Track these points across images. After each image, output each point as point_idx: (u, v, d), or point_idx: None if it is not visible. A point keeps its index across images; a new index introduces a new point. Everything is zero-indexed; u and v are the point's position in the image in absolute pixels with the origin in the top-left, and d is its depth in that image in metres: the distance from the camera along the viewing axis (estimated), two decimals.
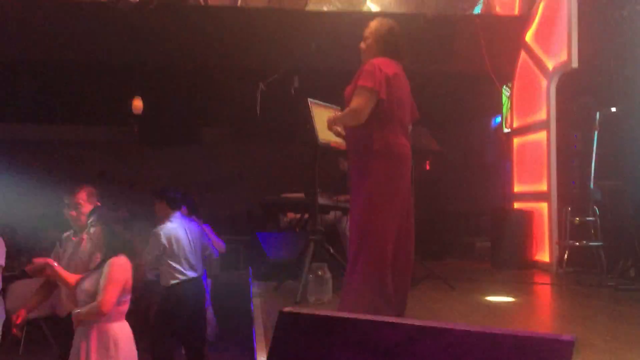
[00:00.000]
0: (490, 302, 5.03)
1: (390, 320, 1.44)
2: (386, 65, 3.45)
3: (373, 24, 3.67)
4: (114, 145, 12.83)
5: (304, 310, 1.62)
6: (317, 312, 1.59)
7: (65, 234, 3.97)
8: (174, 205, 5.08)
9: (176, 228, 4.94)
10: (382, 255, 3.36)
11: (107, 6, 7.08)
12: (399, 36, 3.63)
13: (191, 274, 4.96)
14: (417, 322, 1.42)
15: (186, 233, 5.01)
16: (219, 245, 5.53)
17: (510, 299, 5.08)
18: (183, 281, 4.79)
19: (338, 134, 3.85)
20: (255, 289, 5.47)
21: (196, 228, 5.21)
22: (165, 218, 5.08)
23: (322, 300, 4.61)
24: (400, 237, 3.44)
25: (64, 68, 8.14)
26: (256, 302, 4.86)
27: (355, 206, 3.49)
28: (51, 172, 12.07)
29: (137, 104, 9.45)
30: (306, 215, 6.87)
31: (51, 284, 3.85)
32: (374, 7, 8.10)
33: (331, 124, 3.73)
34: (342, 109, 4.16)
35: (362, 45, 3.70)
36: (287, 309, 1.65)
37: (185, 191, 5.66)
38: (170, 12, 7.31)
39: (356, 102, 3.39)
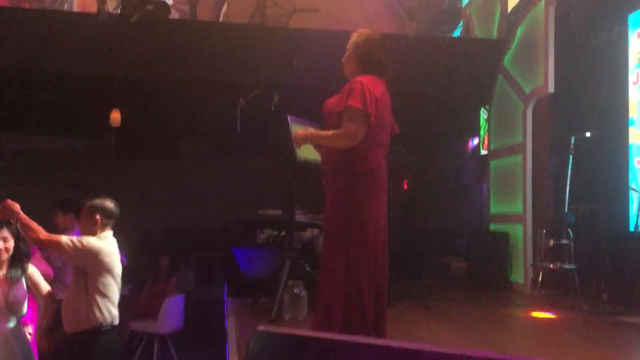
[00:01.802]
0: (470, 323, 5.03)
1: (367, 342, 1.43)
2: (373, 85, 3.39)
3: (353, 35, 3.62)
4: (91, 156, 12.70)
5: (279, 329, 1.60)
6: (292, 332, 1.57)
7: None
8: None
9: None
10: (365, 273, 3.34)
11: (87, 18, 7.05)
12: (377, 47, 3.55)
13: None
14: (393, 343, 1.41)
15: None
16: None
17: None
18: None
19: (317, 149, 3.76)
20: (230, 305, 5.42)
21: None
22: (69, 230, 4.87)
23: (297, 318, 4.58)
24: (376, 258, 3.42)
25: (43, 79, 8.05)
26: (230, 319, 4.81)
27: (332, 225, 3.44)
28: (26, 183, 11.91)
29: (116, 116, 9.38)
30: (283, 232, 6.84)
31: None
32: None
33: (303, 140, 3.56)
34: (320, 124, 4.12)
35: (344, 58, 3.64)
36: (261, 328, 1.63)
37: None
38: (151, 26, 7.29)
39: (351, 125, 3.29)
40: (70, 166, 12.50)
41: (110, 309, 3.56)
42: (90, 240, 3.55)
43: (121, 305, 4.40)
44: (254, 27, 7.85)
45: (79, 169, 12.50)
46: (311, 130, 3.58)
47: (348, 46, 3.62)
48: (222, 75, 7.72)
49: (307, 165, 4.94)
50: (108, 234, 3.72)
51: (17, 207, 3.54)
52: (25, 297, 3.66)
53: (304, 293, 4.65)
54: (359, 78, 3.42)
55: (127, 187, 12.14)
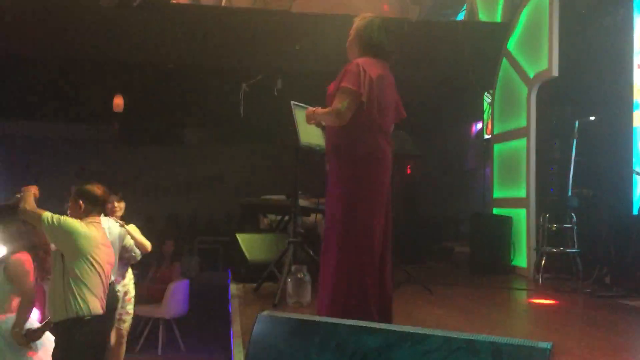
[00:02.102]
0: (472, 307, 5.06)
1: (370, 326, 1.44)
2: (370, 66, 3.39)
3: (355, 20, 3.64)
4: (94, 142, 12.71)
5: (283, 314, 1.61)
6: (295, 316, 1.58)
7: None
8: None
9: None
10: (368, 260, 3.34)
11: (89, 2, 7.01)
12: (379, 31, 3.55)
13: None
14: (396, 328, 1.42)
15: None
16: (143, 246, 5.03)
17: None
18: None
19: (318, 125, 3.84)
20: (233, 290, 5.45)
21: (115, 230, 4.74)
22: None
23: (301, 303, 4.60)
24: (379, 243, 3.42)
25: (45, 65, 8.05)
26: (234, 304, 4.84)
27: (333, 210, 3.42)
28: (29, 168, 11.94)
29: (118, 102, 9.38)
30: (286, 217, 6.85)
31: None
32: None
33: (310, 118, 3.62)
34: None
35: (347, 42, 3.66)
36: (265, 312, 1.64)
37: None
38: (153, 11, 7.25)
39: (339, 102, 3.32)
40: (72, 152, 12.53)
41: (88, 298, 3.43)
42: (69, 220, 3.48)
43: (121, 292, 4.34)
44: (256, 12, 7.81)
45: (82, 154, 12.53)
46: (317, 107, 3.58)
47: (351, 31, 3.63)
48: (224, 61, 7.70)
49: (311, 150, 4.94)
50: (95, 219, 3.62)
51: (31, 188, 3.55)
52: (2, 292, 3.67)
53: (307, 278, 4.66)
54: (355, 60, 3.44)
55: (130, 174, 12.20)
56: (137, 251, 4.94)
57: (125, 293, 5.15)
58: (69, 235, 3.45)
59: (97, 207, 3.67)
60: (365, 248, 3.33)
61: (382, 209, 3.43)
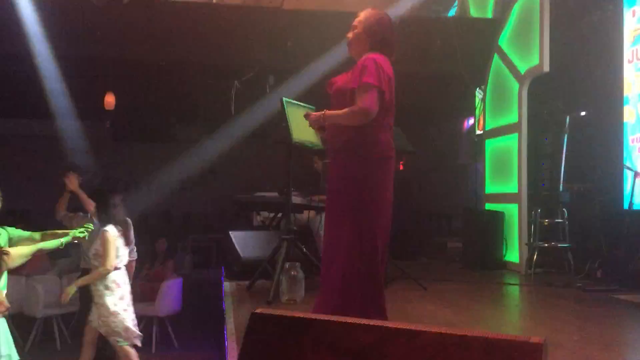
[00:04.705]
0: (465, 302, 5.08)
1: (363, 322, 1.45)
2: (384, 63, 3.31)
3: (362, 13, 3.49)
4: (86, 140, 12.64)
5: (276, 312, 1.61)
6: (289, 314, 1.58)
7: None
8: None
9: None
10: (378, 259, 3.29)
11: (81, 1, 6.98)
12: (387, 27, 3.48)
13: None
14: (389, 324, 1.42)
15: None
16: None
17: None
18: None
19: (320, 130, 3.60)
20: (227, 288, 5.45)
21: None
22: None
23: (294, 299, 4.60)
24: (383, 247, 3.38)
25: (36, 62, 7.98)
26: (228, 302, 4.84)
27: (343, 209, 3.29)
28: (20, 167, 11.87)
29: (110, 99, 9.34)
30: (279, 214, 6.85)
31: None
32: None
33: (318, 121, 3.37)
34: (315, 106, 4.10)
35: (350, 34, 3.49)
36: (259, 310, 1.64)
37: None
38: (145, 8, 7.23)
39: (366, 100, 3.18)
40: (64, 150, 12.46)
41: None
42: None
43: None
44: (248, 8, 7.78)
45: (74, 152, 12.46)
46: (325, 110, 3.35)
47: (355, 24, 3.48)
48: (216, 58, 7.68)
49: (303, 147, 4.93)
50: None
51: None
52: None
53: (301, 275, 4.67)
54: (370, 55, 3.32)
55: (122, 171, 12.14)
56: None
57: None
58: None
59: None
60: (376, 249, 3.27)
61: (390, 208, 3.38)
